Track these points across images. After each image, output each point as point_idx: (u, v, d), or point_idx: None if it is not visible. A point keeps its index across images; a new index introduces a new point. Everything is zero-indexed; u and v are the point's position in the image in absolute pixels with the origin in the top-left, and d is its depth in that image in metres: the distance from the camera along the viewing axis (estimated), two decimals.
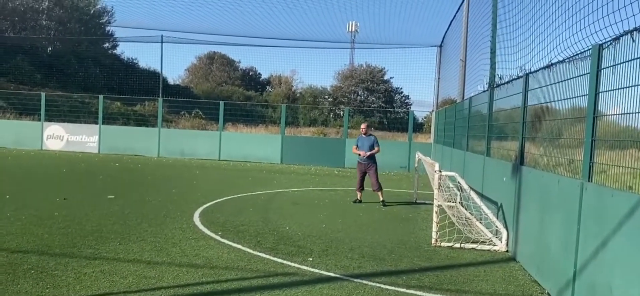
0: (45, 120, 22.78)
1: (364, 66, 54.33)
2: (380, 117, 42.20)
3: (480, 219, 8.59)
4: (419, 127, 39.88)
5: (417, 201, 12.16)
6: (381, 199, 11.38)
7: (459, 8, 19.03)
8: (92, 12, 49.31)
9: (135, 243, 6.73)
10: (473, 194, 7.80)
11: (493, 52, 9.81)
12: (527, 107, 7.07)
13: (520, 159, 7.14)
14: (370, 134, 11.77)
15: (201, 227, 7.99)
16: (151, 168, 17.56)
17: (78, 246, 6.43)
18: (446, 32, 21.76)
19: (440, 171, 7.58)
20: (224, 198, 11.15)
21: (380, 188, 11.41)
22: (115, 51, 50.89)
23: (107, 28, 50.52)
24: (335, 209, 10.52)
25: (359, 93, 55.23)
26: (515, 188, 7.15)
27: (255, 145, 22.35)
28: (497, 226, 7.65)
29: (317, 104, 48.63)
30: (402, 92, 56.22)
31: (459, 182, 8.00)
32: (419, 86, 63.31)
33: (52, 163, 17.42)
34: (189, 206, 9.87)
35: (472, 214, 8.74)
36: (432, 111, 23.75)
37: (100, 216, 8.44)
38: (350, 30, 42.23)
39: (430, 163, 8.47)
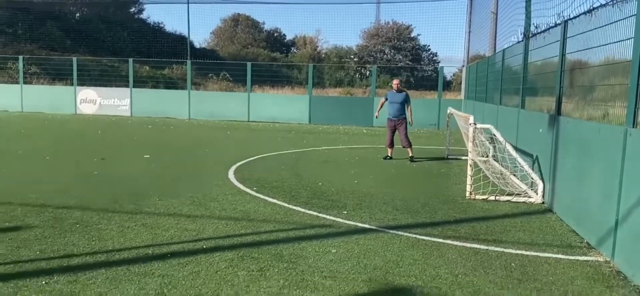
0: (78, 85, 23.24)
1: (391, 23, 53.32)
2: (407, 75, 41.60)
3: (515, 173, 8.49)
4: (447, 85, 39.24)
5: (449, 157, 12.06)
6: (410, 155, 11.34)
7: None
8: None
9: (174, 199, 6.90)
10: (508, 146, 7.69)
11: (528, 0, 9.48)
12: (565, 55, 6.85)
13: (558, 110, 6.97)
14: (402, 90, 11.64)
15: (236, 183, 8.12)
16: (183, 129, 17.83)
17: (119, 202, 6.63)
18: None
19: (474, 124, 7.47)
20: (256, 157, 11.27)
21: (409, 145, 11.35)
22: (141, 16, 51.15)
23: None
24: (366, 167, 10.53)
25: (386, 52, 54.39)
26: (552, 139, 7.01)
27: (283, 106, 22.40)
28: (532, 178, 7.55)
29: (342, 64, 48.17)
30: (429, 50, 55.21)
31: (493, 134, 7.88)
32: (447, 42, 61.87)
33: (87, 126, 17.86)
34: (223, 164, 10.02)
35: (506, 168, 8.64)
36: (463, 66, 23.27)
37: (138, 175, 8.66)
38: None
39: (463, 117, 8.36)
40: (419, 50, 55.19)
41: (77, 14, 46.49)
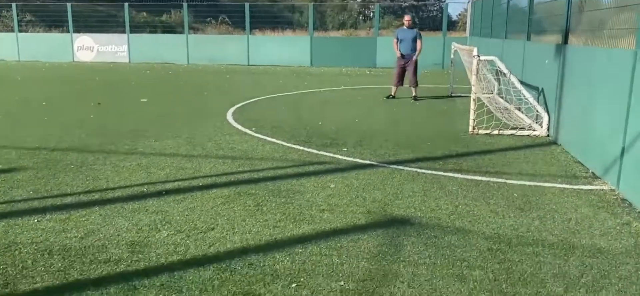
0: (74, 32, 22.80)
1: None
2: (412, 16, 40.71)
3: (520, 108, 8.30)
4: (453, 25, 38.29)
5: (453, 95, 11.84)
6: (414, 94, 11.09)
7: None
8: None
9: (171, 139, 6.79)
10: (513, 78, 7.47)
11: None
12: None
13: (565, 38, 6.71)
14: (412, 27, 11.25)
15: (235, 124, 7.99)
16: (182, 74, 17.58)
17: (115, 144, 6.53)
18: None
19: (478, 56, 7.23)
20: (256, 99, 11.09)
21: (417, 84, 11.09)
22: None
23: None
24: (368, 106, 10.35)
25: None
26: (558, 69, 6.78)
27: (284, 48, 21.96)
28: (537, 111, 7.37)
29: (345, 5, 47.03)
30: None
31: (498, 66, 7.64)
32: None
33: (85, 73, 17.62)
34: (222, 106, 9.86)
35: (510, 102, 8.44)
36: (468, 2, 22.63)
37: (135, 118, 8.53)
38: None
39: (467, 50, 8.10)
40: None
41: None
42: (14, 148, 6.22)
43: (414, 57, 10.98)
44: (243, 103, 10.33)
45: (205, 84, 14.10)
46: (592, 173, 5.30)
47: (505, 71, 7.50)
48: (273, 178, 5.09)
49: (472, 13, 20.91)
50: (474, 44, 18.08)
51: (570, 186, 4.86)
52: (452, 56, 11.95)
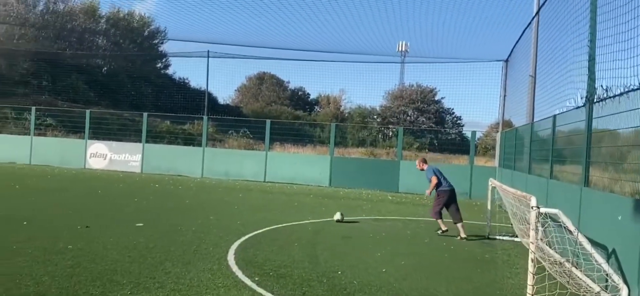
0: (89, 138, 22.31)
1: (415, 86, 52.66)
2: (431, 138, 40.21)
3: (576, 265, 6.76)
4: (468, 149, 37.63)
5: (490, 236, 10.35)
6: (463, 235, 10.00)
7: (530, 23, 17.11)
8: (145, 33, 50.09)
9: (150, 292, 5.39)
10: (582, 238, 6.02)
11: (592, 59, 8.01)
12: None
13: None
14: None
15: (235, 269, 6.58)
16: (192, 190, 16.48)
17: (84, 289, 5.16)
18: (516, 44, 19.77)
19: (538, 207, 5.86)
20: (266, 228, 9.76)
21: (461, 220, 10.08)
22: (167, 71, 51.49)
23: (160, 48, 51.26)
24: (395, 246, 8.90)
25: (409, 113, 53.52)
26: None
27: (302, 166, 20.99)
28: (613, 281, 5.84)
29: (366, 124, 47.03)
30: (453, 113, 54.18)
31: (562, 222, 6.23)
32: (474, 105, 60.47)
33: (90, 183, 16.66)
34: (226, 238, 8.52)
35: (567, 260, 6.92)
36: (497, 132, 21.69)
37: (118, 251, 7.18)
38: (400, 49, 40.73)
39: (519, 195, 6.76)
40: (442, 113, 54.27)
41: (105, 68, 46.85)
42: None
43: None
44: (251, 235, 8.97)
45: (214, 205, 12.87)
46: None
47: (572, 228, 6.09)
48: None
49: (503, 143, 19.86)
50: (505, 177, 16.79)
51: None
52: (489, 192, 10.62)
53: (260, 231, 9.47)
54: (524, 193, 6.50)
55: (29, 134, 22.90)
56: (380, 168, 21.05)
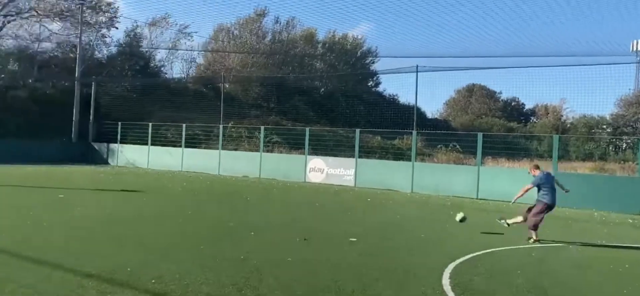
0: (309, 154, 24.12)
1: None
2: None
3: None
4: None
5: None
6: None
7: None
8: (358, 54, 52.89)
9: None
10: None
11: None
12: None
13: None
14: None
15: (451, 295, 6.14)
16: (402, 205, 16.44)
17: None
18: None
19: None
20: (483, 251, 9.03)
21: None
22: (377, 89, 53.42)
23: (371, 67, 53.63)
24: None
25: None
26: None
27: (519, 182, 19.22)
28: None
29: (593, 135, 41.43)
30: None
31: None
32: None
33: (310, 196, 17.89)
34: (439, 259, 8.11)
35: None
36: None
37: (334, 266, 7.36)
38: (634, 48, 35.07)
39: None
40: None
41: (322, 89, 50.85)
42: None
43: None
44: (466, 257, 8.33)
45: (425, 221, 12.57)
46: None
47: None
48: None
49: None
50: None
51: None
52: None
53: (476, 254, 8.79)
54: None
55: (259, 151, 25.84)
56: (615, 185, 18.16)
